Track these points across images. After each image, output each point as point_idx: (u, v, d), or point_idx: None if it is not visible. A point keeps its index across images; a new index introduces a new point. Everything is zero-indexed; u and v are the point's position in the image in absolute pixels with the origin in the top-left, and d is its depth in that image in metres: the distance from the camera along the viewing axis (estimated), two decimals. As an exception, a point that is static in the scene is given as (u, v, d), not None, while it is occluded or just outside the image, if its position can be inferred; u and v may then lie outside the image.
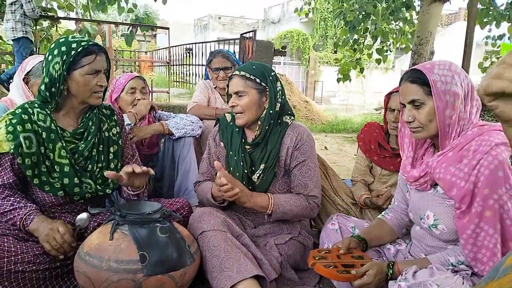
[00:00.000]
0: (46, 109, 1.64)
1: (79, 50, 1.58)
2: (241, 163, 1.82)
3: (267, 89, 1.79)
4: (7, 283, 1.43)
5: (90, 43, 1.62)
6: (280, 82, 1.87)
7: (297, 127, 1.85)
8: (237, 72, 1.80)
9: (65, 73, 1.58)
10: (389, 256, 1.65)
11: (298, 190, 1.83)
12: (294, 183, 1.83)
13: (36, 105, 1.63)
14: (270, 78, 1.80)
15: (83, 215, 1.60)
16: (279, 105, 1.82)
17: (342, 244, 1.55)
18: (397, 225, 1.69)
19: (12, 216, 1.54)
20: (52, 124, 1.62)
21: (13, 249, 1.45)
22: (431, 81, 1.32)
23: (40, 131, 1.59)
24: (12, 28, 5.76)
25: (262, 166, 1.81)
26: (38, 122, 1.59)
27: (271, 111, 1.80)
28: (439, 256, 1.37)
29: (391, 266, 1.39)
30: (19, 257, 1.45)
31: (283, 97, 1.86)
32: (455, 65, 1.37)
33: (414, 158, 1.54)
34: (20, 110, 1.59)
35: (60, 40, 1.61)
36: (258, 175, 1.81)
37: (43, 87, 1.61)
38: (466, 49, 4.43)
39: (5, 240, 1.46)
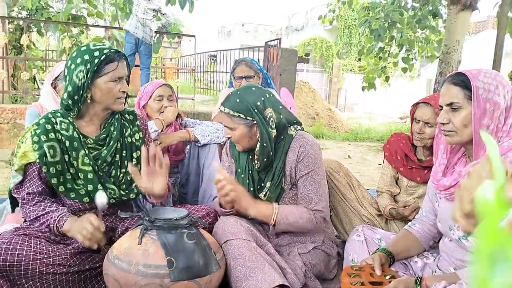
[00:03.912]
0: (69, 118, 1.67)
1: (102, 58, 1.61)
2: (247, 181, 1.82)
3: (255, 122, 1.74)
4: (39, 284, 1.47)
5: (112, 50, 1.65)
6: (273, 106, 1.77)
7: (300, 139, 1.80)
8: (221, 108, 1.77)
9: (89, 81, 1.61)
10: (416, 269, 1.62)
11: (302, 204, 1.79)
12: (299, 196, 1.81)
13: (59, 114, 1.67)
14: (256, 110, 1.72)
15: (101, 194, 1.55)
16: (275, 132, 1.76)
17: (374, 261, 1.51)
18: (424, 237, 1.66)
19: (45, 220, 1.59)
20: (75, 132, 1.66)
21: (45, 251, 1.49)
22: (473, 86, 1.31)
23: (63, 140, 1.63)
24: (150, 35, 5.99)
25: (268, 185, 1.80)
26: (61, 131, 1.63)
27: (264, 144, 1.74)
28: (468, 271, 1.34)
29: (418, 282, 1.36)
30: (51, 259, 1.49)
31: (281, 116, 1.79)
32: (502, 76, 1.35)
33: (446, 166, 1.51)
34: (43, 120, 1.63)
35: (82, 49, 1.64)
36: (264, 193, 1.80)
37: (65, 95, 1.63)
38: (495, 58, 4.33)
39: (38, 242, 1.51)
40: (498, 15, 4.86)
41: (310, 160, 1.77)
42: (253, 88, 1.80)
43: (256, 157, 1.79)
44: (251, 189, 1.81)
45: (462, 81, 1.34)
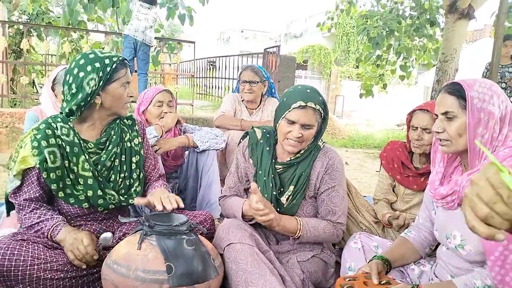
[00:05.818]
0: (69, 123, 1.68)
1: (113, 66, 1.65)
2: (270, 184, 1.81)
3: (324, 119, 1.80)
4: (36, 289, 1.47)
5: (120, 58, 1.70)
6: None
7: (329, 152, 1.85)
8: (312, 105, 1.70)
9: (100, 88, 1.64)
10: (413, 277, 1.63)
11: (325, 216, 1.81)
12: (322, 208, 1.82)
13: (59, 119, 1.67)
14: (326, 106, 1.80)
15: (107, 234, 1.64)
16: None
17: (371, 270, 1.51)
18: (421, 244, 1.67)
19: (39, 228, 1.60)
20: (75, 138, 1.67)
21: (42, 256, 1.49)
22: (468, 96, 1.33)
23: (64, 145, 1.64)
24: (150, 36, 5.98)
25: (291, 188, 1.80)
26: (62, 136, 1.64)
27: (318, 138, 1.83)
28: (465, 279, 1.35)
29: None
30: (48, 264, 1.49)
31: None
32: (497, 86, 1.37)
33: (443, 175, 1.53)
34: (44, 125, 1.63)
35: (90, 56, 1.65)
36: (287, 197, 1.80)
37: (73, 102, 1.63)
38: (492, 67, 4.36)
39: (36, 247, 1.51)
40: (495, 24, 4.91)
41: (337, 174, 1.82)
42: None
43: (298, 154, 1.81)
44: (273, 192, 1.80)
45: (457, 91, 1.36)
